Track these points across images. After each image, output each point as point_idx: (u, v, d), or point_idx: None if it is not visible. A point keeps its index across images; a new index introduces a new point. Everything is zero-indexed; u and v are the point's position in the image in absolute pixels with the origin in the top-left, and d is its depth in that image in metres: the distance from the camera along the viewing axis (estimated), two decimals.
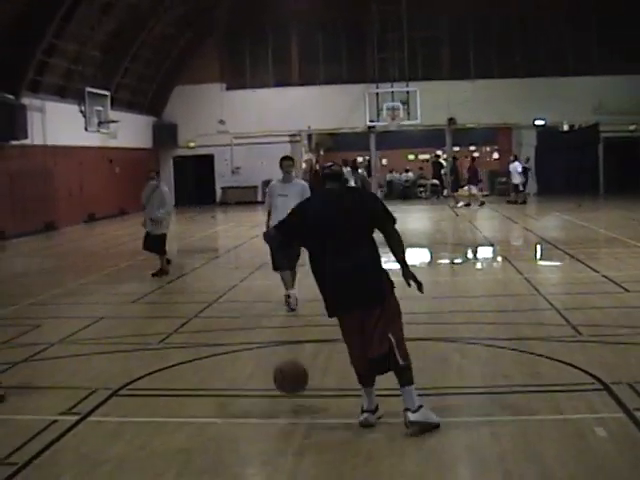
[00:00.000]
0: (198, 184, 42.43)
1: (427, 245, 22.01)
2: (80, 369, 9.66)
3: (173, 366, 9.35)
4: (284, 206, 12.54)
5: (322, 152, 48.93)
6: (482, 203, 34.81)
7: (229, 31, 41.76)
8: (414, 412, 6.86)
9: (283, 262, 12.65)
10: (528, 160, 37.98)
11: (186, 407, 7.86)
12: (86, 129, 30.89)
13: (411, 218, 30.53)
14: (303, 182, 13.26)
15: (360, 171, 38.46)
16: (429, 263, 18.82)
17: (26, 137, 28.13)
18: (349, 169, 34.10)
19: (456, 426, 7.09)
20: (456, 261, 18.56)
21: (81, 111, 30.55)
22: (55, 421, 7.47)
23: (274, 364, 8.09)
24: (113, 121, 32.81)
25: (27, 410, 7.91)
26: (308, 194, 12.73)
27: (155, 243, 17.23)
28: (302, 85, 41.30)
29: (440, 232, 26.12)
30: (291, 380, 7.70)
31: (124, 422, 7.48)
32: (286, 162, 12.95)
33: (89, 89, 30.99)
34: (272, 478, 6.24)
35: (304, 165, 41.94)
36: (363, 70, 40.85)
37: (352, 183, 29.32)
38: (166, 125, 42.17)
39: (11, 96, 27.95)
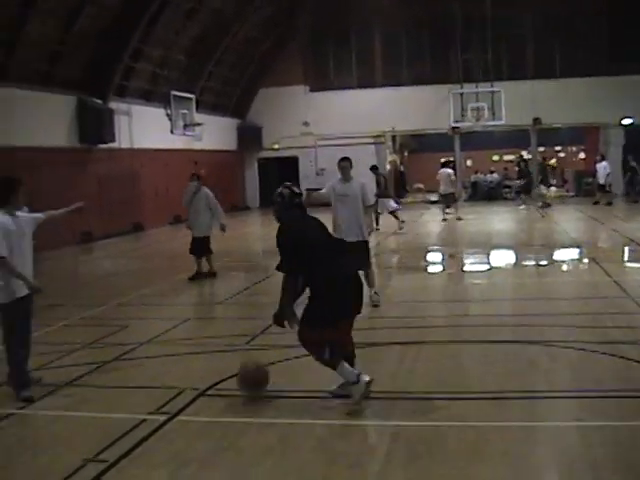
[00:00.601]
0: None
1: (512, 246, 21.76)
2: (168, 369, 9.79)
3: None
4: (343, 206, 12.83)
5: (406, 153, 48.83)
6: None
7: (312, 33, 41.91)
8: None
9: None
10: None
11: (271, 408, 7.90)
12: (172, 132, 31.31)
13: (496, 219, 30.24)
14: (361, 181, 13.45)
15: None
16: (515, 264, 18.59)
17: (113, 140, 28.68)
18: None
19: (545, 431, 6.98)
20: (542, 263, 18.30)
21: (167, 114, 30.96)
22: (144, 420, 7.59)
23: (360, 367, 8.08)
24: (198, 124, 33.18)
25: (117, 409, 8.05)
26: (367, 192, 13.27)
27: (201, 245, 17.45)
28: (386, 86, 41.18)
29: (525, 233, 25.79)
30: (250, 383, 8.19)
31: (211, 422, 7.55)
32: (342, 163, 13.20)
33: (174, 92, 31.41)
34: None
35: (388, 166, 41.86)
36: (447, 70, 40.57)
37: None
38: (250, 127, 42.51)
39: (99, 101, 28.49)
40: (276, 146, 42.12)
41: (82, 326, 12.94)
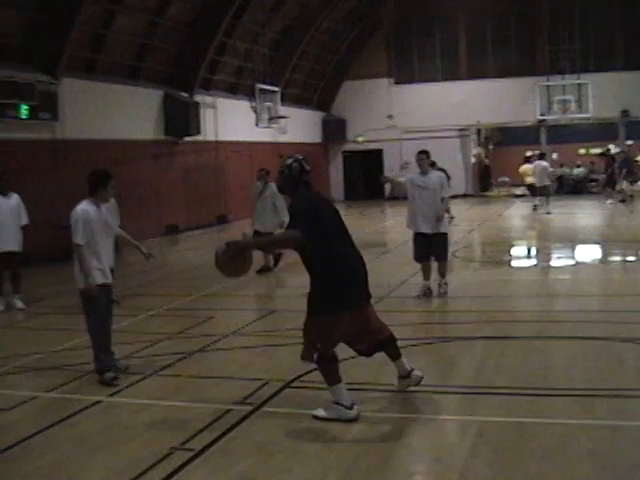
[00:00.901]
0: (367, 178, 42.60)
1: (599, 241, 21.37)
2: (253, 360, 9.87)
3: (344, 360, 9.42)
4: (422, 198, 12.96)
5: (491, 146, 48.29)
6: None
7: (396, 25, 41.75)
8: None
9: (422, 254, 13.38)
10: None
11: (359, 400, 7.89)
12: (257, 124, 31.50)
13: (582, 214, 29.75)
14: (439, 173, 13.67)
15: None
16: (602, 260, 18.27)
17: (199, 133, 28.99)
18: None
19: (633, 431, 6.85)
20: (630, 258, 17.94)
21: (252, 107, 31.17)
22: (230, 410, 7.67)
23: (446, 361, 8.05)
24: (283, 116, 33.32)
25: (203, 399, 8.15)
26: (446, 183, 13.40)
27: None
28: (471, 79, 40.81)
29: (612, 228, 25.31)
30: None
31: (296, 413, 7.58)
32: (419, 156, 13.41)
33: (259, 85, 31.59)
34: (444, 476, 6.19)
35: (473, 159, 41.51)
36: (533, 62, 40.01)
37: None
38: (335, 120, 42.55)
39: (185, 94, 28.83)
40: (360, 139, 42.09)
41: (168, 316, 13.13)
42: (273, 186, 17.32)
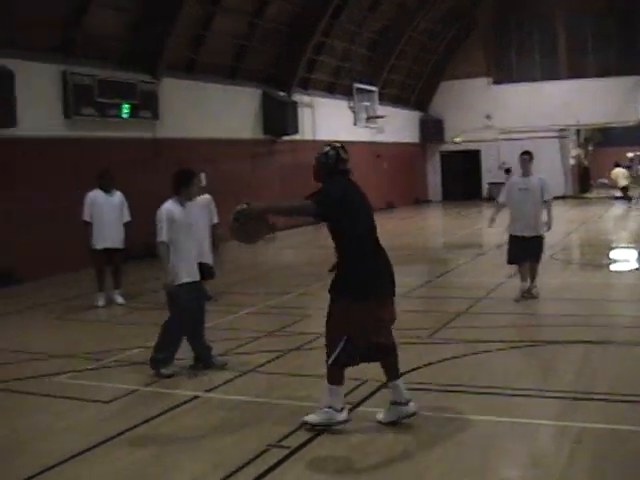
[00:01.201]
0: (465, 179, 42.26)
1: None
2: None
3: (441, 361, 9.35)
4: (523, 200, 12.80)
5: (591, 147, 47.41)
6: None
7: (494, 24, 41.29)
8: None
9: (518, 256, 13.21)
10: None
11: (453, 403, 7.82)
12: (354, 124, 31.50)
13: None
14: (541, 176, 13.40)
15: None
16: None
17: (297, 132, 29.11)
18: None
19: None
20: None
21: (350, 107, 31.18)
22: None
23: (544, 364, 7.90)
24: (380, 116, 33.26)
25: (299, 397, 8.16)
26: (547, 186, 13.17)
27: None
28: (570, 78, 40.08)
29: None
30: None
31: None
32: (523, 157, 13.19)
33: (357, 85, 31.59)
34: None
35: (572, 161, 40.77)
36: (635, 60, 39.02)
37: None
38: (433, 120, 42.32)
39: (283, 93, 29.01)
40: (458, 139, 41.77)
41: (265, 314, 13.22)
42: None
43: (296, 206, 7.44)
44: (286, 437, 6.96)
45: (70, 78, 19.72)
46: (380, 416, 7.30)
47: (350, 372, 8.98)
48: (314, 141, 31.09)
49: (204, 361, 9.53)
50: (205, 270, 13.98)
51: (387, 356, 7.26)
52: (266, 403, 8.02)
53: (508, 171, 31.24)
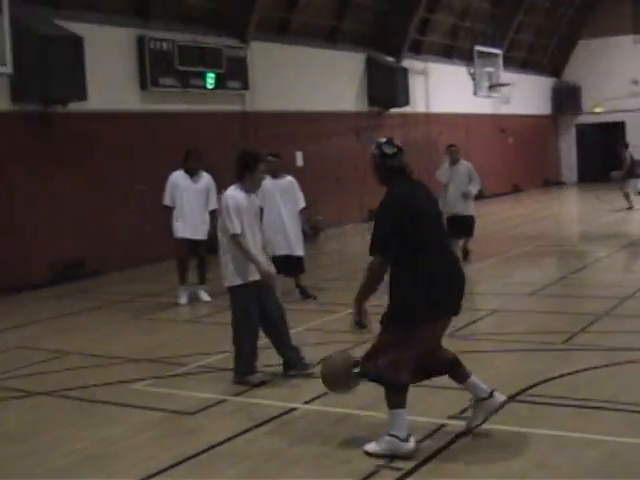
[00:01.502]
0: (606, 156, 41.50)
1: None
2: (472, 368, 9.73)
3: (580, 371, 9.23)
4: None
5: None
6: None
7: None
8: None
9: None
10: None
11: (596, 421, 7.71)
12: (475, 94, 31.30)
13: None
14: None
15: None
16: None
17: (407, 104, 29.05)
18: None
19: None
20: None
21: (469, 73, 31.00)
22: (444, 425, 7.65)
23: None
24: (505, 84, 32.96)
25: (414, 410, 8.10)
26: None
27: (464, 225, 17.71)
28: None
29: None
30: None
31: (519, 432, 7.47)
32: None
33: (478, 48, 31.36)
34: None
35: None
36: None
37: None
38: (567, 87, 41.73)
39: (392, 58, 28.96)
40: (598, 109, 41.08)
41: (374, 315, 13.18)
42: (465, 164, 17.96)
43: (369, 280, 7.18)
44: (398, 458, 6.97)
45: (147, 44, 20.10)
46: (471, 421, 7.47)
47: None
48: (427, 114, 31.02)
49: (294, 366, 9.64)
50: (294, 263, 14.17)
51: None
52: (373, 417, 8.03)
53: None
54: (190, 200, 14.52)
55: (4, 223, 17.20)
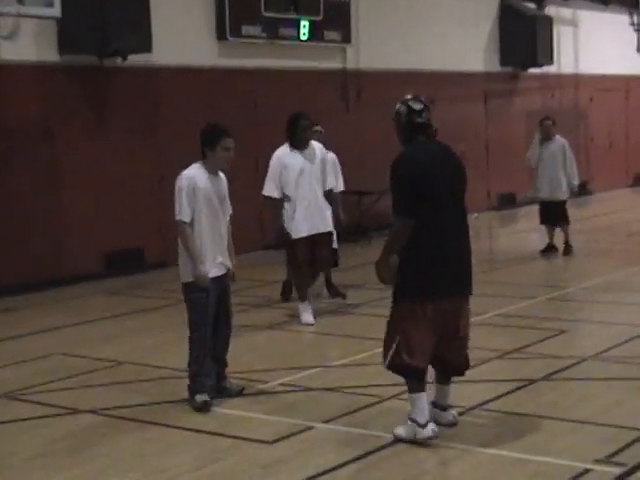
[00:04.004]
0: None
1: None
2: (621, 400, 9.61)
3: None
4: None
5: None
6: None
7: None
8: None
9: None
10: None
11: None
12: (638, 50, 30.85)
13: None
14: None
15: None
16: None
17: (551, 62, 28.70)
18: None
19: None
20: None
21: (631, 24, 30.56)
22: (588, 471, 7.50)
23: None
24: None
25: (550, 450, 8.00)
26: None
27: (553, 211, 18.48)
28: None
29: None
30: None
31: None
32: None
33: None
34: None
35: None
36: None
37: None
38: None
39: (532, 4, 28.62)
40: None
41: (497, 326, 13.11)
42: (559, 141, 18.45)
43: (394, 239, 8.16)
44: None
45: None
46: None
47: (621, 417, 8.80)
48: (576, 75, 30.59)
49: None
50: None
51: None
52: (497, 456, 7.95)
53: None
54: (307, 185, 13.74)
55: (48, 203, 17.39)
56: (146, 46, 17.94)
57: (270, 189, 13.46)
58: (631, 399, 9.60)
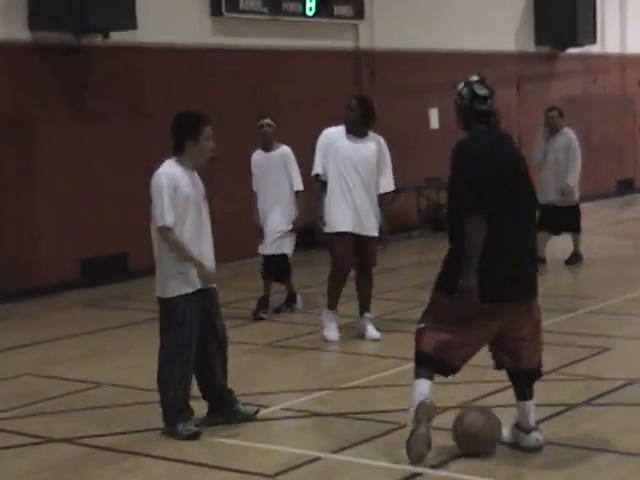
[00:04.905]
0: None
1: None
2: None
3: None
4: None
5: None
6: None
7: None
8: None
9: None
10: None
11: None
12: None
13: None
14: None
15: None
16: None
17: (594, 42, 28.67)
18: None
19: None
20: None
21: None
22: None
23: None
24: None
25: None
26: None
27: (570, 216, 18.38)
28: None
29: None
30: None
31: None
32: None
33: None
34: None
35: None
36: None
37: None
38: None
39: None
40: None
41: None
42: (566, 134, 18.31)
43: (471, 245, 8.11)
44: None
45: None
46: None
47: None
48: (622, 56, 30.57)
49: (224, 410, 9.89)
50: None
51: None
52: None
53: None
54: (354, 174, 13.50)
55: (19, 201, 17.38)
56: (130, 22, 17.90)
57: None
58: None
